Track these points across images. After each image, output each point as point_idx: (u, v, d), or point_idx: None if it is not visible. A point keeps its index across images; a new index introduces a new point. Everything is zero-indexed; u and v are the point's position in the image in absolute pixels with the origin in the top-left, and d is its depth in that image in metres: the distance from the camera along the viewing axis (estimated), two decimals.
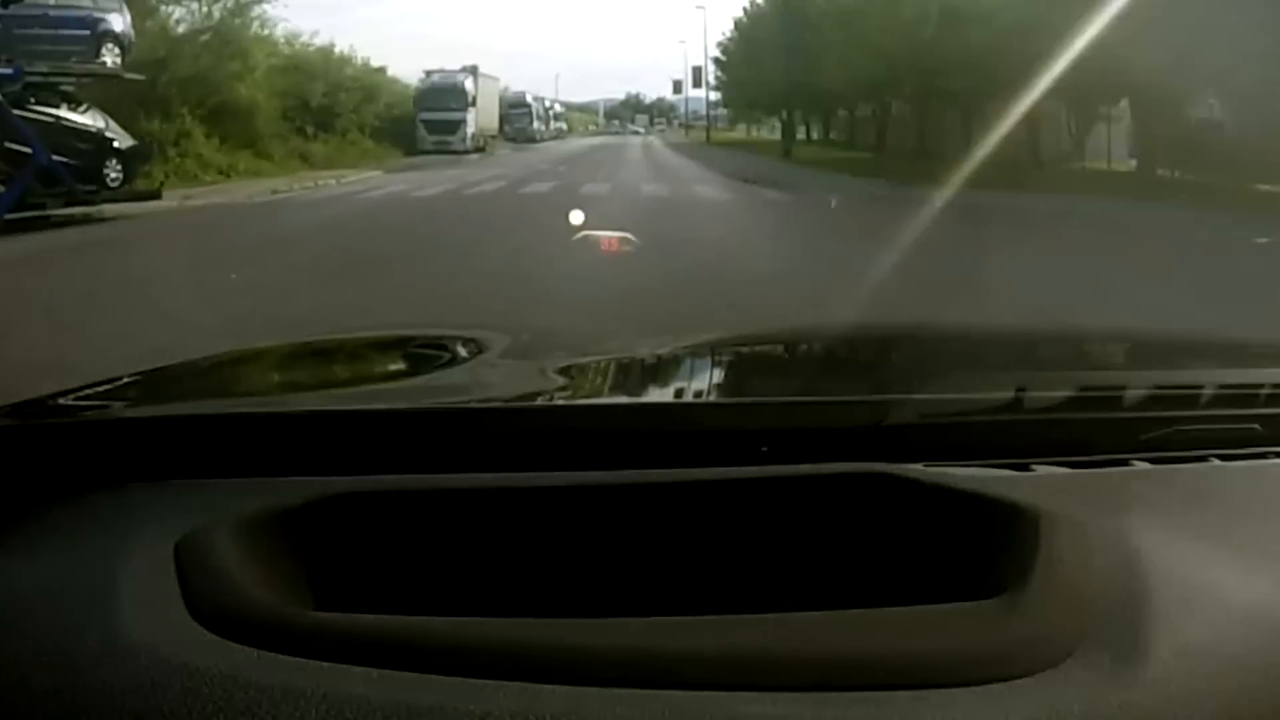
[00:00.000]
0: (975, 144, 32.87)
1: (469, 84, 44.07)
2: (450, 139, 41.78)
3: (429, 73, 44.68)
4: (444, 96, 42.70)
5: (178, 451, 0.85)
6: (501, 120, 64.80)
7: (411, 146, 41.07)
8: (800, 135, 61.21)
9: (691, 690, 0.60)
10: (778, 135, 68.18)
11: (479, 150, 43.75)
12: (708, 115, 68.98)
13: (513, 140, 61.90)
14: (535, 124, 66.60)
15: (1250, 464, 0.88)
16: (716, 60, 64.81)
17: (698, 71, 67.65)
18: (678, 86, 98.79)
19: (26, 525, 0.77)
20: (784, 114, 33.27)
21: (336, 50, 38.00)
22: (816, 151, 37.96)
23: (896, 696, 0.60)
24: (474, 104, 43.56)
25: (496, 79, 52.89)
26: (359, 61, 38.97)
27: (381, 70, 41.17)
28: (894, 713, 0.60)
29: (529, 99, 68.14)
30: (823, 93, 40.93)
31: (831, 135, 53.05)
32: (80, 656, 0.63)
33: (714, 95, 69.49)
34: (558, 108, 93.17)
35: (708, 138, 64.49)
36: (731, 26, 62.30)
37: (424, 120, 42.26)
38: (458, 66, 67.05)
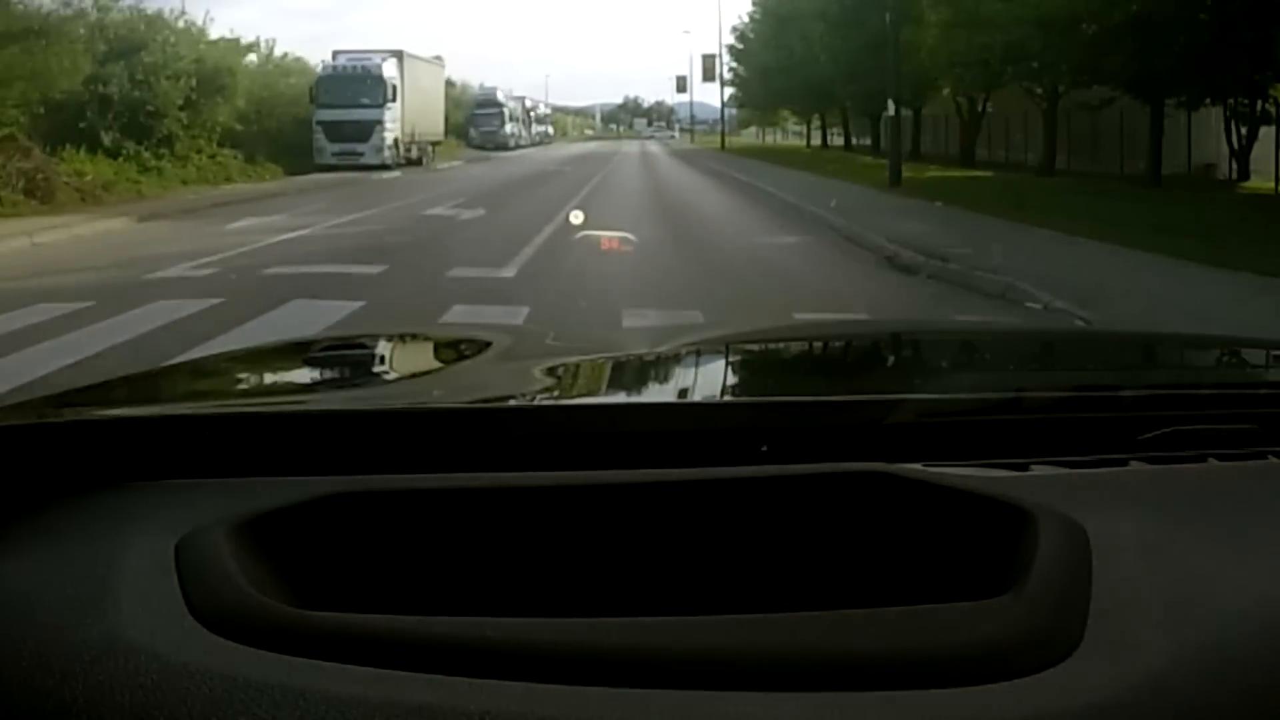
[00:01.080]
0: (1117, 154, 21.06)
1: (388, 69, 31.19)
2: (360, 148, 29.10)
3: (337, 54, 31.74)
4: (351, 88, 29.96)
5: (178, 451, 0.84)
6: (467, 122, 52.16)
7: (309, 159, 28.09)
8: (824, 138, 48.75)
9: (691, 690, 0.60)
10: (796, 140, 55.68)
11: (412, 163, 31.06)
12: (723, 114, 55.68)
13: (479, 147, 49.84)
14: (508, 127, 54.21)
15: (1249, 464, 0.86)
16: (730, 49, 52.00)
17: (709, 61, 54.94)
18: (681, 84, 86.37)
19: (26, 525, 0.77)
20: (892, 108, 19.74)
21: (180, 19, 25.06)
22: (909, 169, 25.19)
23: (896, 696, 0.60)
24: (395, 98, 30.57)
25: (440, 65, 39.77)
26: (213, 34, 26.13)
27: (250, 48, 28.27)
28: (894, 712, 0.59)
29: (500, 97, 55.75)
30: (903, 79, 27.96)
31: (867, 139, 40.87)
32: (80, 656, 0.63)
33: (727, 92, 56.51)
34: (542, 109, 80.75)
35: (722, 143, 51.58)
36: (750, 6, 49.59)
37: (322, 122, 29.44)
38: (499, 91, 54.86)
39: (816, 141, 50.75)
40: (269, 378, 1.38)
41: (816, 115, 48.19)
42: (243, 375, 1.38)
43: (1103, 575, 0.67)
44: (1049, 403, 0.98)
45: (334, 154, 29.51)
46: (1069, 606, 0.65)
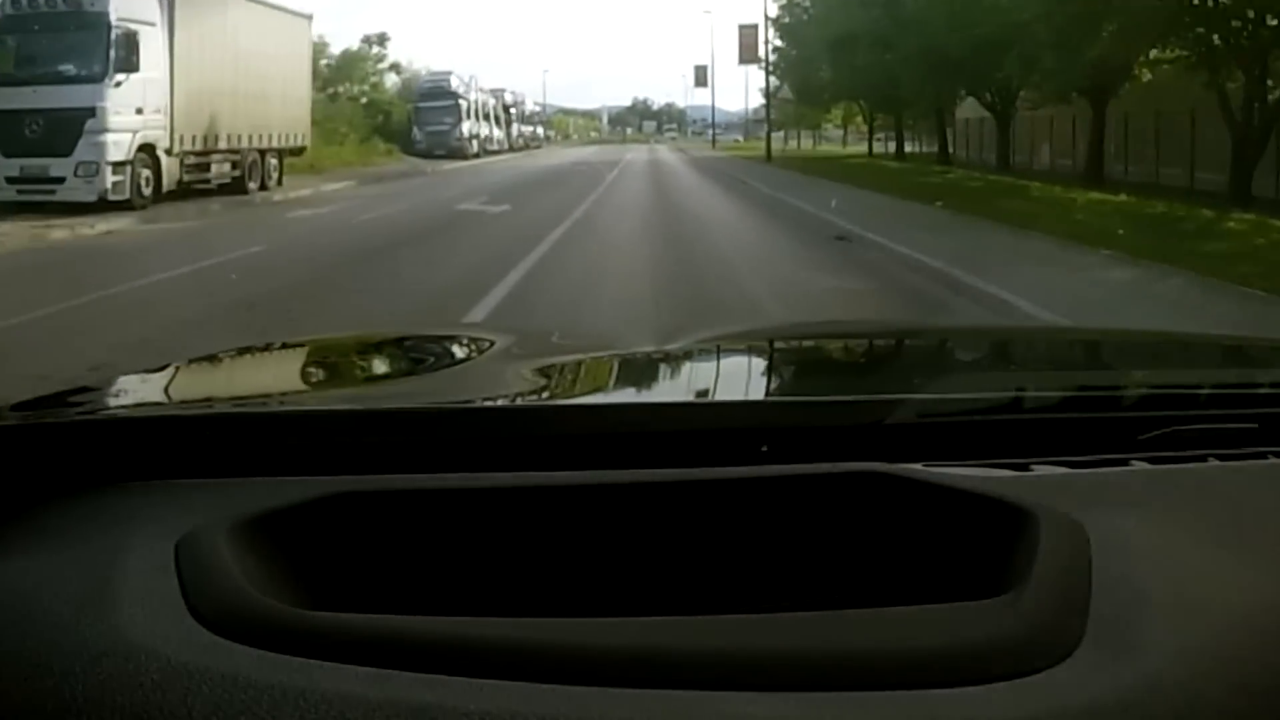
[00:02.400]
0: None
1: (123, 3, 15.22)
2: (55, 168, 13.44)
3: None
4: (43, 44, 14.55)
5: (178, 451, 0.85)
6: (409, 120, 37.05)
7: None
8: (900, 144, 33.85)
9: (691, 690, 0.60)
10: (833, 146, 40.66)
11: (226, 189, 16.36)
12: (768, 111, 39.40)
13: (425, 154, 34.51)
14: (465, 127, 39.16)
15: (1249, 464, 0.86)
16: (776, 22, 36.67)
17: (748, 35, 39.36)
18: (701, 75, 71.03)
19: (26, 525, 0.77)
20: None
21: None
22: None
23: (896, 696, 0.60)
24: (137, 63, 15.01)
25: (305, 19, 21.82)
26: None
27: None
28: (894, 712, 0.59)
29: (455, 84, 40.29)
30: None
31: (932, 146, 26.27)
32: (80, 656, 0.63)
33: (754, 91, 40.61)
34: (530, 106, 65.06)
35: (768, 152, 36.04)
36: None
37: None
38: (454, 77, 40.15)
39: (866, 147, 35.63)
40: (269, 378, 1.37)
41: (863, 115, 33.15)
42: (243, 375, 1.37)
43: (1103, 575, 0.67)
44: (1049, 403, 0.98)
45: (11, 180, 14.24)
46: (1069, 606, 0.65)
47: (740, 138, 68.87)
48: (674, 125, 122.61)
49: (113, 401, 1.08)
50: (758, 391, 1.24)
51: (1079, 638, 0.62)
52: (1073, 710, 0.58)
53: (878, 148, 40.16)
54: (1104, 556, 0.68)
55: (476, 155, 40.29)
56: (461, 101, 40.32)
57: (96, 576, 0.69)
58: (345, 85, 42.82)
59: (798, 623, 0.65)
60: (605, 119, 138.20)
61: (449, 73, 41.89)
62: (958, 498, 0.76)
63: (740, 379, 1.34)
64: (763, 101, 44.33)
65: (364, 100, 43.90)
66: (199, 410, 1.03)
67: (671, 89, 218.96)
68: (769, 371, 1.37)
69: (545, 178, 25.70)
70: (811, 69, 36.29)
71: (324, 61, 44.41)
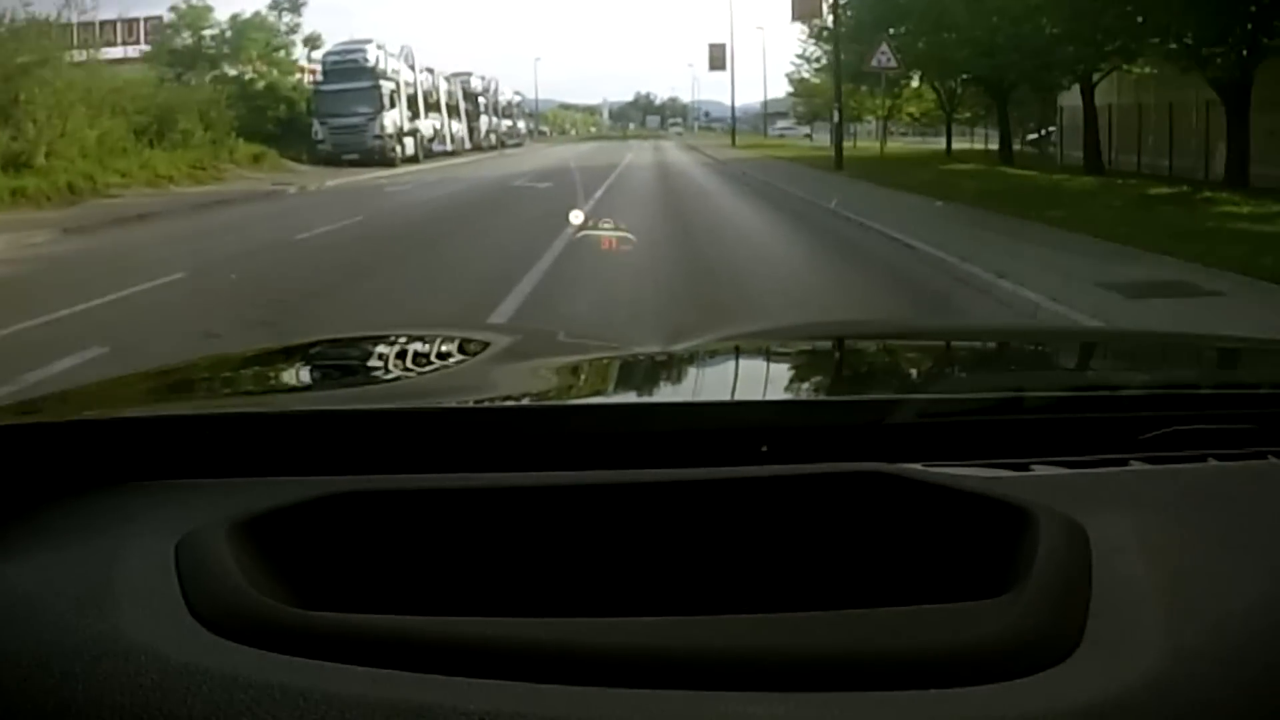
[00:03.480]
0: None
1: None
2: None
3: None
4: None
5: (178, 451, 0.85)
6: (310, 112, 24.98)
7: None
8: (1006, 138, 22.51)
9: (691, 690, 0.60)
10: (869, 141, 29.78)
11: None
12: (837, 92, 26.45)
13: (329, 160, 22.52)
14: (390, 120, 27.10)
15: (1248, 464, 0.86)
16: None
17: None
18: (716, 57, 58.76)
19: (26, 525, 0.77)
20: None
21: None
22: None
23: (896, 696, 0.60)
24: None
25: None
26: None
27: None
28: (894, 712, 0.60)
29: (373, 59, 28.34)
30: None
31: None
32: (80, 656, 0.63)
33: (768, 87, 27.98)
34: (509, 95, 53.06)
35: (838, 157, 23.46)
36: None
37: None
38: (373, 48, 28.71)
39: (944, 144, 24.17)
40: (269, 378, 1.36)
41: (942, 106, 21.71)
42: (243, 375, 1.36)
43: (1103, 575, 0.67)
44: (1049, 403, 0.98)
45: None
46: (1069, 606, 0.65)
47: (810, 131, 54.48)
48: (678, 120, 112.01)
49: (113, 401, 1.08)
50: (758, 392, 1.24)
51: (1079, 638, 0.63)
52: (1073, 710, 0.58)
53: (924, 144, 28.32)
54: (1104, 556, 0.68)
55: (412, 159, 28.78)
56: (384, 83, 28.58)
57: (96, 576, 0.69)
58: (239, 66, 30.66)
59: (798, 623, 0.65)
60: (606, 114, 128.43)
61: (366, 42, 29.93)
62: (958, 498, 0.76)
63: (741, 379, 1.32)
64: (782, 93, 32.27)
65: (261, 84, 31.17)
66: (199, 410, 1.03)
67: (676, 83, 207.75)
68: (770, 372, 1.39)
69: (458, 216, 13.94)
70: (889, 27, 24.40)
71: (208, 31, 31.83)
